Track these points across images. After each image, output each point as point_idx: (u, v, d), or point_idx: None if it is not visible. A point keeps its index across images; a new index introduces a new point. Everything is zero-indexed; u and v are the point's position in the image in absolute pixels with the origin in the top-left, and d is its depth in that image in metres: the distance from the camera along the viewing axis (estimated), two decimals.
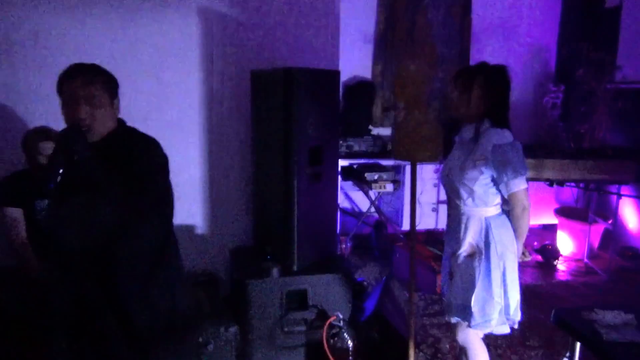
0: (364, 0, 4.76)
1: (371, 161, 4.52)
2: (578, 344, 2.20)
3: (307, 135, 2.84)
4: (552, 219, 4.95)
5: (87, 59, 3.08)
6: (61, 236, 1.77)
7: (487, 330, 2.28)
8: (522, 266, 2.49)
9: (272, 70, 2.97)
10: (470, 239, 2.26)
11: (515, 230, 2.24)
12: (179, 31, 3.34)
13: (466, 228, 2.27)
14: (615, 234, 4.43)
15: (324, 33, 3.57)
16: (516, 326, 2.31)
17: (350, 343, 2.80)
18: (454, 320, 2.38)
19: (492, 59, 2.30)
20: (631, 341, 1.96)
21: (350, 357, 2.80)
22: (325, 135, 2.99)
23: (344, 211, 4.93)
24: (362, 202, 5.02)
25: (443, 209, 4.49)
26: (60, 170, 1.61)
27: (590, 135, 4.54)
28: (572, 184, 4.55)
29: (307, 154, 2.86)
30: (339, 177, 3.98)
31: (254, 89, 3.16)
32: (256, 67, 3.19)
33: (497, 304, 2.21)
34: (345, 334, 2.81)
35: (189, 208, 3.55)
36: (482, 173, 2.18)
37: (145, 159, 1.81)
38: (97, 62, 2.93)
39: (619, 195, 4.31)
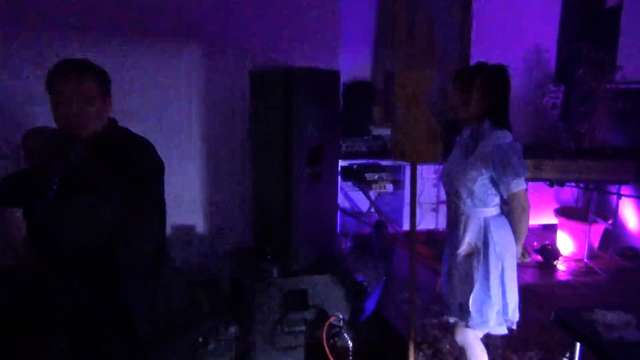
0: (364, 0, 4.76)
1: (371, 161, 4.52)
2: (578, 344, 2.20)
3: (307, 135, 2.84)
4: (552, 219, 4.95)
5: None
6: (61, 236, 1.76)
7: (485, 331, 2.28)
8: (522, 266, 2.49)
9: (272, 70, 2.97)
10: (469, 239, 2.27)
11: (514, 231, 2.24)
12: (179, 31, 3.34)
13: (465, 228, 2.27)
14: (615, 234, 4.43)
15: (324, 33, 3.58)
16: (514, 327, 2.31)
17: (350, 343, 2.80)
18: (452, 320, 2.38)
19: (492, 59, 2.29)
20: (631, 341, 1.97)
21: (350, 357, 2.80)
22: (325, 135, 2.99)
23: (344, 211, 4.93)
24: (362, 202, 5.01)
25: (443, 209, 4.49)
26: (57, 178, 1.59)
27: (590, 135, 4.54)
28: (572, 184, 4.55)
29: (307, 154, 2.86)
30: (339, 177, 3.98)
31: (253, 89, 3.16)
32: (256, 67, 3.19)
33: (495, 304, 2.21)
34: (345, 334, 2.81)
35: (189, 208, 3.55)
36: (481, 173, 2.18)
37: (145, 160, 1.81)
38: (95, 61, 2.92)
39: (619, 195, 4.31)
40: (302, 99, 2.78)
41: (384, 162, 4.54)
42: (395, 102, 4.93)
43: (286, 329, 2.88)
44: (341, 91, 4.08)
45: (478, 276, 2.22)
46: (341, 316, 2.87)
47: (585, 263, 4.46)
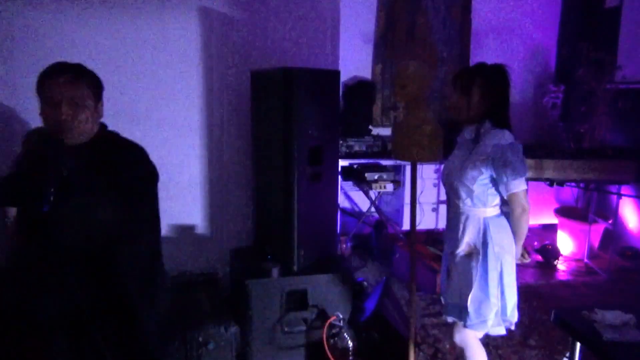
0: (364, 0, 4.76)
1: (371, 161, 4.52)
2: (578, 344, 2.20)
3: (307, 135, 2.84)
4: (552, 219, 4.95)
5: (87, 59, 3.09)
6: (58, 243, 1.72)
7: (483, 331, 2.28)
8: (522, 266, 2.50)
9: (272, 70, 2.97)
10: (468, 239, 2.27)
11: (514, 232, 2.24)
12: (179, 31, 3.34)
13: (464, 228, 2.27)
14: (615, 234, 4.43)
15: (324, 33, 3.58)
16: (513, 327, 2.32)
17: (350, 343, 2.80)
18: (450, 319, 2.39)
19: (492, 59, 2.30)
20: (631, 341, 1.96)
21: (350, 357, 2.80)
22: (325, 135, 2.99)
23: (344, 211, 4.93)
24: (362, 202, 5.01)
25: (443, 209, 4.49)
26: (51, 189, 1.54)
27: (590, 135, 4.54)
28: (572, 184, 4.55)
29: (307, 154, 2.86)
30: (339, 177, 3.98)
31: (253, 89, 3.16)
32: (256, 67, 3.19)
33: (494, 305, 2.21)
34: (345, 334, 2.81)
35: (189, 208, 3.55)
36: (481, 173, 2.18)
37: (140, 167, 1.78)
38: (97, 62, 2.93)
39: (619, 195, 4.31)
40: (302, 99, 2.78)
41: (384, 162, 4.54)
42: (395, 102, 4.95)
43: (286, 329, 2.88)
44: (341, 91, 4.09)
45: (477, 276, 2.22)
46: (341, 316, 2.87)
47: (585, 263, 4.46)
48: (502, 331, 2.28)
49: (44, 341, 1.74)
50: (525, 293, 3.83)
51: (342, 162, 4.32)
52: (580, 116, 4.57)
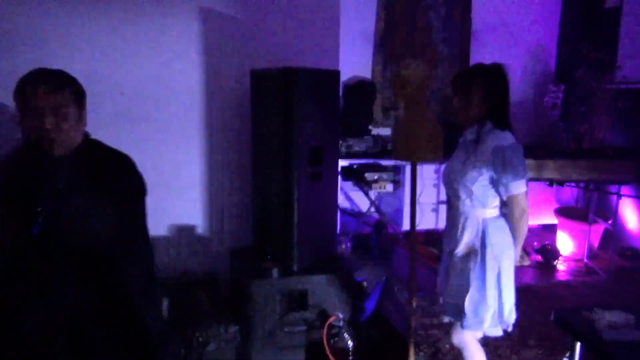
0: (364, 0, 4.76)
1: (371, 161, 4.52)
2: (578, 344, 2.20)
3: (307, 135, 2.84)
4: (552, 219, 4.95)
5: (87, 59, 3.08)
6: (55, 255, 1.58)
7: (479, 331, 2.28)
8: (522, 267, 2.49)
9: (272, 70, 2.97)
10: (466, 240, 2.27)
11: (513, 234, 2.24)
12: (179, 31, 3.34)
13: (463, 228, 2.27)
14: (615, 234, 4.43)
15: (324, 33, 3.57)
16: (510, 329, 2.31)
17: (350, 343, 2.80)
18: (447, 319, 2.39)
19: (492, 59, 2.29)
20: (631, 341, 1.97)
21: (350, 357, 2.80)
22: (325, 135, 2.99)
23: (344, 211, 4.93)
24: (362, 202, 5.02)
25: (443, 209, 4.49)
26: (39, 209, 1.44)
27: (590, 135, 4.54)
28: (572, 184, 4.55)
29: (307, 154, 2.87)
30: (339, 177, 3.98)
31: (254, 89, 3.16)
32: (256, 67, 3.19)
33: (491, 306, 2.21)
34: (345, 334, 2.81)
35: (189, 208, 3.55)
36: (481, 174, 2.18)
37: (133, 175, 1.71)
38: (97, 62, 2.93)
39: (619, 195, 4.31)
40: (302, 99, 2.78)
41: (384, 162, 4.54)
42: (395, 102, 4.95)
43: (286, 329, 2.88)
44: (341, 91, 4.09)
45: (474, 277, 2.22)
46: (341, 316, 2.87)
47: (585, 263, 4.46)
48: (498, 332, 2.28)
49: (44, 342, 1.68)
50: (525, 293, 3.83)
51: (342, 162, 4.32)
52: (580, 116, 4.58)
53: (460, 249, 2.29)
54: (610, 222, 4.46)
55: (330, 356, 2.76)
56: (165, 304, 2.86)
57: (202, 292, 3.13)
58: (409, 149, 2.43)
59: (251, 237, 3.46)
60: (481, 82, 2.20)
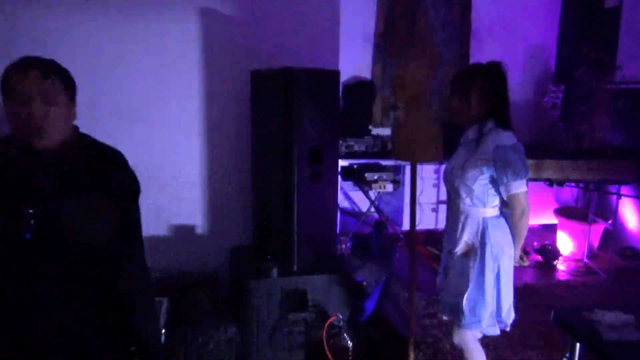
0: (364, 0, 4.76)
1: (371, 161, 4.52)
2: (578, 344, 2.20)
3: (307, 135, 2.84)
4: (552, 219, 4.95)
5: (87, 59, 3.09)
6: (58, 239, 1.49)
7: (477, 330, 2.29)
8: (522, 267, 2.50)
9: (272, 70, 2.97)
10: (466, 238, 2.27)
11: (513, 234, 2.24)
12: (179, 31, 3.34)
13: (463, 227, 2.27)
14: (615, 234, 4.43)
15: (324, 33, 3.57)
16: (508, 328, 2.32)
17: (350, 343, 2.80)
18: (446, 317, 2.40)
19: (492, 59, 2.29)
20: (631, 341, 1.97)
21: (350, 357, 2.80)
22: (325, 135, 2.99)
23: (344, 211, 4.93)
24: (362, 202, 5.01)
25: (443, 209, 4.49)
26: (30, 211, 1.34)
27: (590, 135, 4.54)
28: (572, 184, 4.55)
29: (307, 154, 2.87)
30: (339, 177, 3.98)
31: (254, 89, 3.16)
32: (256, 67, 3.19)
33: (489, 305, 2.22)
34: (345, 334, 2.81)
35: (189, 208, 3.55)
36: (482, 173, 2.18)
37: (127, 172, 1.62)
38: (97, 62, 2.93)
39: (619, 195, 4.31)
40: (302, 99, 2.79)
41: (384, 162, 4.54)
42: (395, 102, 4.95)
43: (286, 329, 2.88)
44: (341, 91, 4.08)
45: (473, 276, 2.23)
46: (341, 316, 2.87)
47: (585, 263, 4.46)
48: (496, 331, 2.28)
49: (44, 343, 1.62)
50: (525, 293, 3.84)
51: (342, 162, 4.32)
52: (580, 116, 4.58)
53: (460, 248, 2.29)
54: (610, 222, 4.46)
55: (330, 356, 2.76)
56: (165, 304, 2.85)
57: (202, 292, 3.13)
58: (409, 149, 2.43)
59: (251, 237, 3.46)
60: (480, 82, 2.20)
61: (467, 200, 2.25)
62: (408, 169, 4.30)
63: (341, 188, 4.81)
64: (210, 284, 3.33)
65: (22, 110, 1.42)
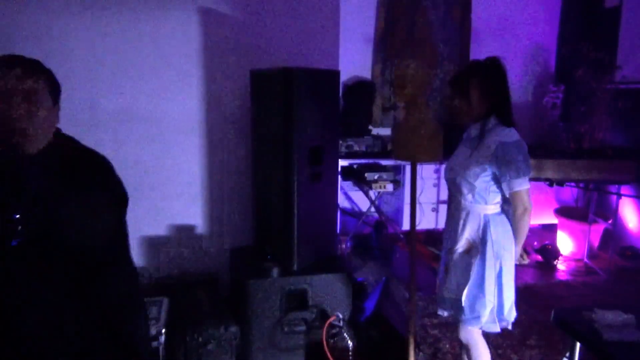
0: (364, 0, 4.76)
1: (371, 161, 4.52)
2: (578, 344, 2.20)
3: (307, 135, 2.84)
4: (552, 219, 4.95)
5: (88, 59, 3.09)
6: (47, 246, 1.43)
7: (477, 327, 2.28)
8: (522, 266, 2.50)
9: (272, 70, 2.97)
10: (467, 235, 2.27)
11: (514, 231, 2.23)
12: (179, 31, 3.34)
13: (465, 224, 2.27)
14: (615, 234, 4.44)
15: (324, 33, 3.58)
16: (510, 326, 2.31)
17: (350, 343, 2.80)
18: (445, 314, 2.39)
19: None
20: (631, 341, 1.97)
21: (350, 357, 2.80)
22: (325, 135, 2.99)
23: (344, 211, 4.93)
24: (362, 202, 5.02)
25: (443, 209, 4.49)
26: (17, 216, 1.29)
27: (590, 135, 4.54)
28: (572, 184, 4.55)
29: (307, 154, 2.87)
30: (339, 177, 3.98)
31: (254, 89, 3.16)
32: (256, 67, 3.19)
33: (489, 302, 2.21)
34: (345, 334, 2.81)
35: (189, 208, 3.55)
36: (484, 170, 2.18)
37: (113, 176, 1.56)
38: (97, 62, 2.93)
39: (619, 195, 4.31)
40: (302, 99, 2.78)
41: (384, 162, 4.55)
42: (395, 102, 4.95)
43: (286, 329, 2.88)
44: (341, 91, 4.09)
45: (474, 273, 2.22)
46: (341, 316, 2.87)
47: (585, 263, 4.46)
48: (496, 329, 2.27)
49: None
50: (525, 293, 3.84)
51: (342, 162, 4.32)
52: (580, 116, 4.57)
53: (461, 245, 2.29)
54: (610, 222, 4.46)
55: (330, 356, 2.76)
56: (165, 304, 2.86)
57: (202, 292, 3.13)
58: (409, 149, 2.43)
59: (251, 237, 3.46)
60: (478, 81, 2.19)
61: (469, 197, 2.24)
62: (408, 169, 4.30)
63: (341, 188, 4.81)
64: (210, 284, 3.33)
65: (4, 108, 1.35)
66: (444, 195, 2.54)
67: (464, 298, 2.23)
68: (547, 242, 4.63)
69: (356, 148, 4.53)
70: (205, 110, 3.48)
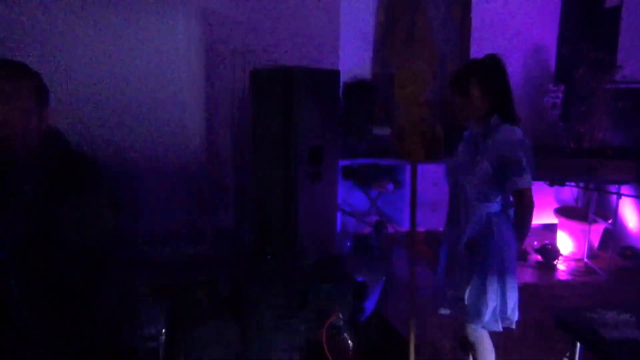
0: (364, 0, 4.76)
1: (371, 161, 4.52)
2: (578, 344, 2.20)
3: (307, 135, 2.84)
4: (552, 219, 4.95)
5: (87, 59, 3.09)
6: (29, 278, 1.40)
7: (479, 325, 2.28)
8: (522, 266, 2.49)
9: (272, 70, 2.97)
10: (470, 233, 2.26)
11: (517, 229, 2.23)
12: (180, 32, 3.34)
13: (467, 222, 2.26)
14: (615, 234, 4.43)
15: (324, 33, 3.58)
16: (513, 326, 2.31)
17: (350, 343, 2.80)
18: (445, 312, 2.39)
19: None
20: (631, 341, 1.96)
21: (350, 357, 2.80)
22: (325, 135, 2.99)
23: (344, 211, 4.93)
24: (362, 202, 5.01)
25: (443, 209, 4.48)
26: (6, 227, 1.27)
27: (590, 135, 4.54)
28: (572, 183, 4.55)
29: (307, 154, 2.87)
30: (339, 177, 3.98)
31: (254, 89, 3.16)
32: (256, 67, 3.19)
33: (491, 300, 2.21)
34: (345, 334, 2.81)
35: (189, 207, 3.55)
36: (487, 168, 2.17)
37: (103, 185, 1.53)
38: (97, 62, 2.93)
39: (619, 195, 4.31)
40: (302, 99, 2.79)
41: (384, 162, 4.54)
42: (395, 102, 4.95)
43: (286, 329, 2.88)
44: (341, 91, 4.09)
45: (476, 271, 2.22)
46: (341, 316, 2.86)
47: (585, 263, 4.46)
48: (497, 328, 2.27)
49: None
50: (525, 293, 3.82)
51: (342, 162, 4.32)
52: (580, 116, 4.57)
53: (464, 243, 2.28)
54: (610, 221, 4.46)
55: (330, 356, 2.76)
56: (165, 304, 2.85)
57: (202, 292, 3.13)
58: (409, 149, 2.43)
59: (251, 237, 3.46)
60: (478, 79, 2.18)
61: (472, 195, 2.24)
62: (408, 169, 4.30)
63: (341, 188, 4.81)
64: (210, 284, 3.32)
65: None
66: (445, 195, 2.53)
67: (466, 296, 2.23)
68: (547, 242, 4.62)
69: (356, 148, 4.53)
70: (205, 110, 3.48)
